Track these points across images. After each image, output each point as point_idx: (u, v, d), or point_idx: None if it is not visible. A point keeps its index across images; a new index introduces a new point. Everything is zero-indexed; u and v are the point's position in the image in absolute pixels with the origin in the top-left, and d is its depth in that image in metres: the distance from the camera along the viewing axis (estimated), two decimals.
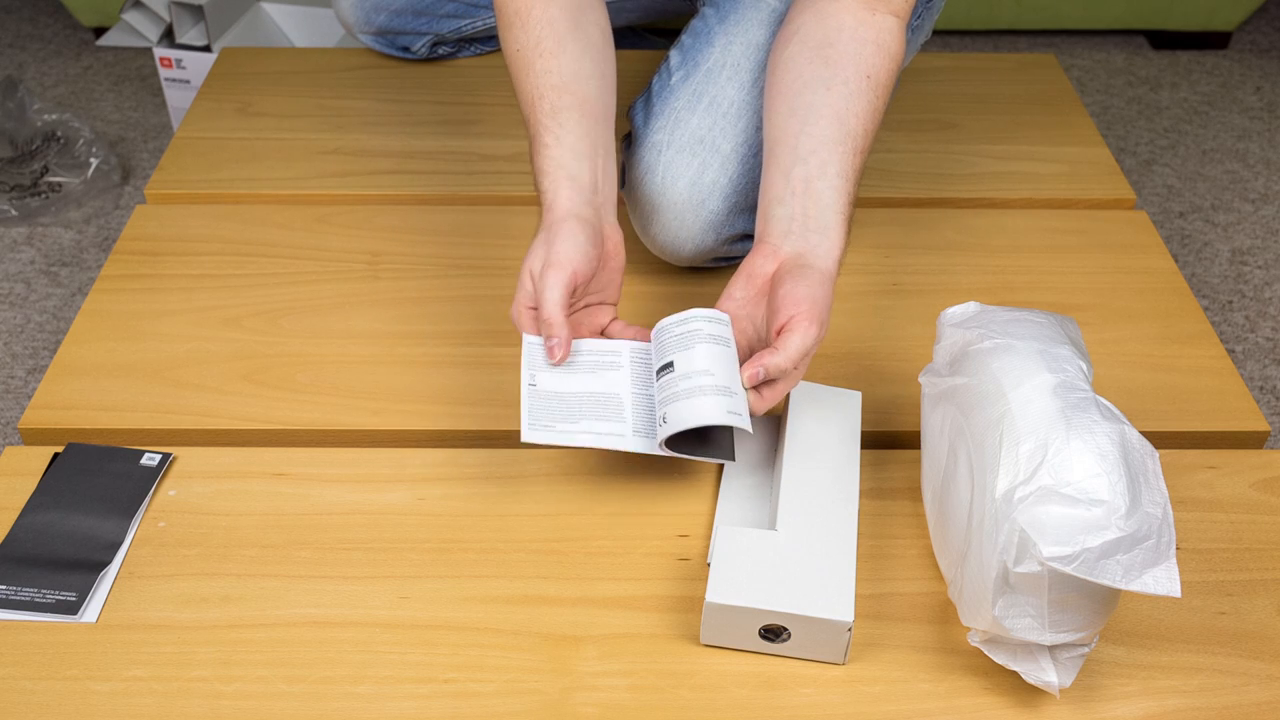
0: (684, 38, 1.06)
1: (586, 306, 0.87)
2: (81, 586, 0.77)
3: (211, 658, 0.74)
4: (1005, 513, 0.66)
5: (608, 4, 1.31)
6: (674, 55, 1.05)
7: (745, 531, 0.77)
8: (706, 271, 1.06)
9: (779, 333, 0.80)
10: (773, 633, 0.73)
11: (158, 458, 0.87)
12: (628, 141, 1.03)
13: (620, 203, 1.05)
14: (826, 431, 0.84)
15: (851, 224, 0.86)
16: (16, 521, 0.82)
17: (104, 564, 0.79)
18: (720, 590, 0.73)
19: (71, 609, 0.76)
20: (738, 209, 0.99)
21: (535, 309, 0.82)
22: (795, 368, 0.80)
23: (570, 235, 0.82)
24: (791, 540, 0.76)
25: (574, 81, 0.89)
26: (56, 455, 0.87)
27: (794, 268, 0.82)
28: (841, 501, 0.79)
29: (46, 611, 0.76)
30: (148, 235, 1.11)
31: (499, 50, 1.38)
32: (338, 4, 1.32)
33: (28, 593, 0.77)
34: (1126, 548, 0.63)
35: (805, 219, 0.84)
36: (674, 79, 1.02)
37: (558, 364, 0.82)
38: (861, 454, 0.88)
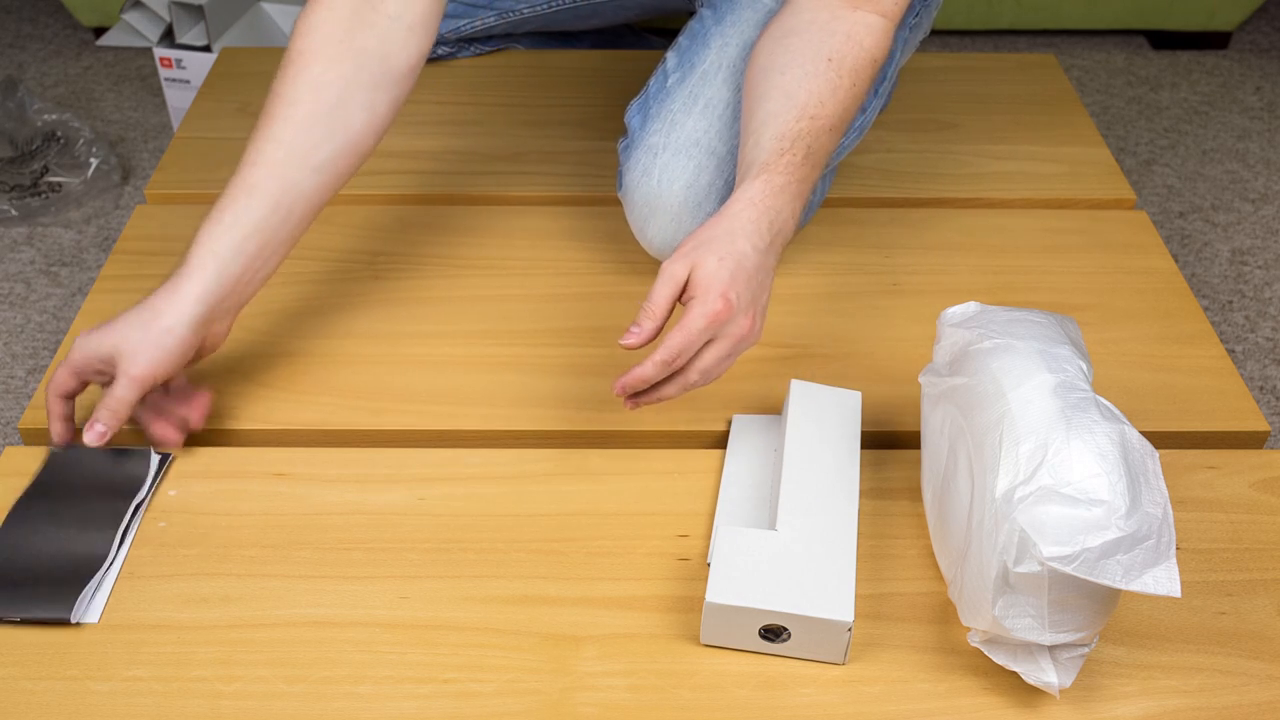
0: (681, 39, 1.06)
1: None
2: (72, 598, 0.76)
3: (211, 658, 0.74)
4: (1005, 513, 0.66)
5: (608, 4, 1.32)
6: (671, 57, 1.05)
7: (745, 531, 0.77)
8: None
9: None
10: (773, 633, 0.73)
11: (157, 458, 0.87)
12: (623, 143, 1.03)
13: (616, 204, 1.05)
14: (826, 431, 0.84)
15: (794, 178, 0.83)
16: (2, 529, 0.81)
17: (96, 570, 0.78)
18: (720, 590, 0.73)
19: (63, 623, 0.76)
20: None
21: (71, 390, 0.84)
22: (658, 312, 0.78)
23: (167, 348, 0.81)
24: (791, 540, 0.76)
25: (292, 168, 0.84)
26: (53, 454, 0.86)
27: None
28: (841, 501, 0.79)
29: (40, 623, 0.76)
30: (148, 235, 1.11)
31: (499, 50, 1.38)
32: None
33: (17, 608, 0.76)
34: (1126, 548, 0.63)
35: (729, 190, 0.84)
36: (670, 81, 1.02)
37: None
38: (861, 454, 0.88)
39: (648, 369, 0.77)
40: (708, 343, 0.79)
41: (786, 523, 0.77)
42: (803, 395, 0.87)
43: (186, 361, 0.84)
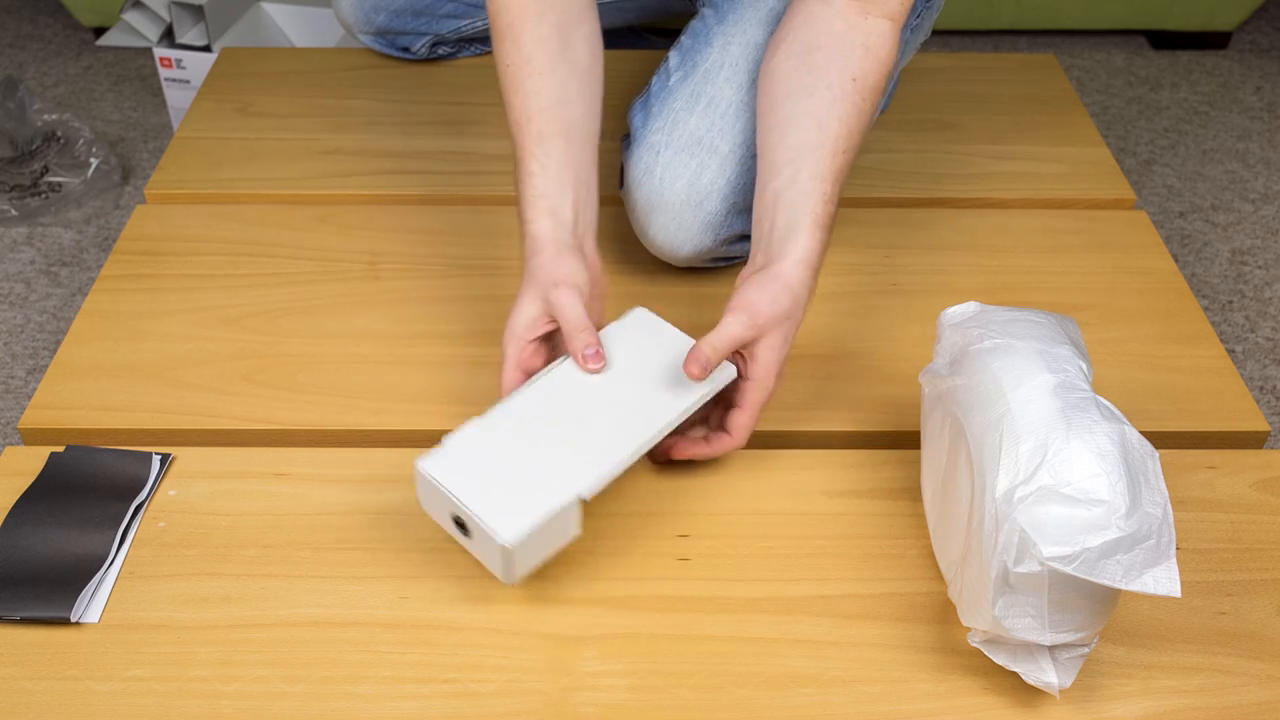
0: (683, 39, 1.06)
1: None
2: (72, 597, 0.77)
3: (211, 658, 0.74)
4: (1005, 513, 0.66)
5: (607, 3, 1.32)
6: (673, 56, 1.05)
7: (502, 422, 0.78)
8: (705, 272, 1.06)
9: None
10: (460, 525, 0.74)
11: (158, 458, 0.87)
12: (626, 142, 1.03)
13: (618, 204, 1.05)
14: (649, 366, 0.83)
15: (831, 221, 0.85)
16: (3, 528, 0.81)
17: (96, 570, 0.79)
18: (432, 462, 0.75)
19: (63, 622, 0.76)
20: (736, 209, 0.99)
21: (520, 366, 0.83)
22: (721, 354, 0.80)
23: (568, 260, 0.84)
24: (533, 447, 0.77)
25: (562, 105, 0.89)
26: (54, 455, 0.87)
27: (751, 275, 0.83)
28: (620, 438, 0.78)
29: (39, 623, 0.76)
30: (148, 235, 1.11)
31: None
32: (337, 4, 1.32)
33: (17, 607, 0.76)
34: (1126, 548, 0.63)
35: (773, 232, 0.84)
36: (672, 80, 1.02)
37: (598, 370, 0.82)
38: (861, 454, 0.88)
39: (729, 446, 0.83)
40: None
41: (543, 431, 0.77)
42: (641, 322, 0.86)
43: (592, 274, 0.86)
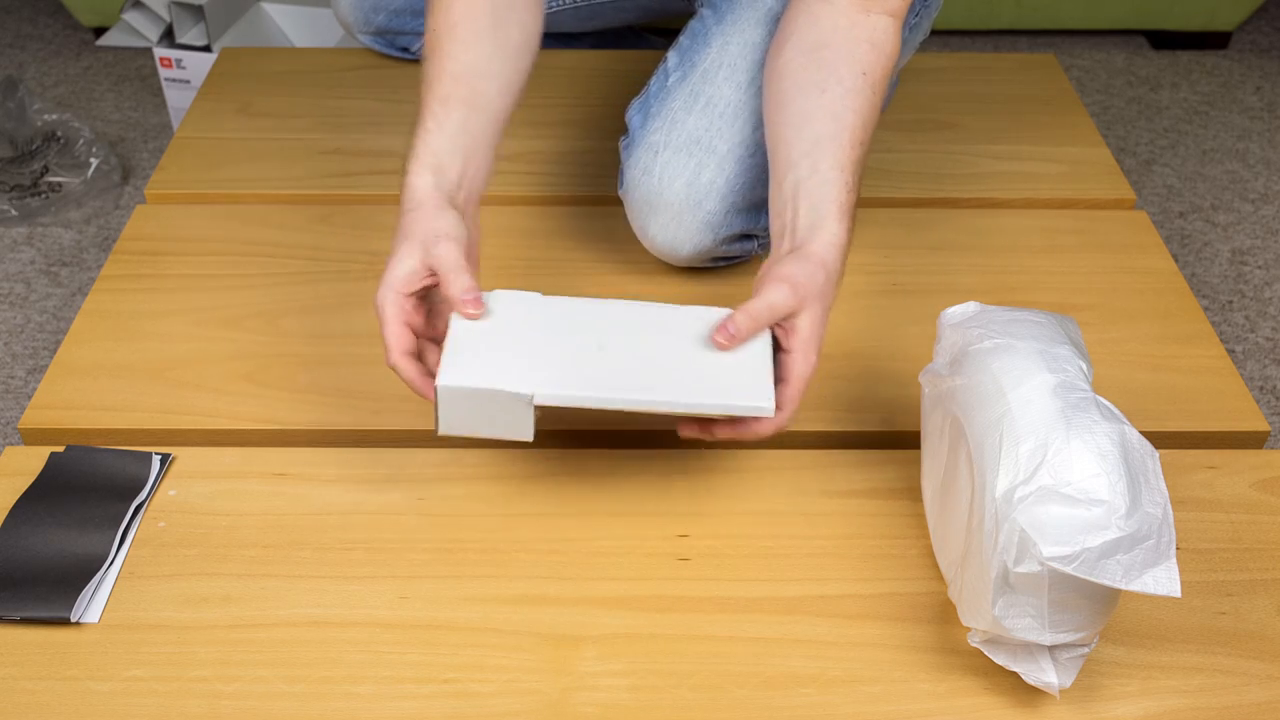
0: (682, 39, 1.06)
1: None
2: (72, 597, 0.76)
3: (211, 658, 0.74)
4: (1005, 513, 0.66)
5: (605, 3, 1.32)
6: (672, 57, 1.05)
7: (533, 310, 0.80)
8: (706, 271, 1.06)
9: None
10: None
11: (158, 458, 0.87)
12: (625, 142, 1.03)
13: (617, 204, 1.05)
14: (703, 359, 0.80)
15: (854, 212, 0.85)
16: (3, 528, 0.81)
17: (96, 570, 0.79)
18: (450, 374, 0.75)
19: (63, 622, 0.76)
20: (735, 209, 0.99)
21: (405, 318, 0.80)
22: (757, 323, 0.79)
23: (448, 214, 0.81)
24: (543, 344, 0.78)
25: (475, 77, 0.88)
26: (54, 455, 0.87)
27: (785, 257, 0.82)
28: (608, 382, 0.77)
29: (39, 623, 0.76)
30: (148, 235, 1.11)
31: None
32: (337, 4, 1.32)
33: (17, 607, 0.76)
34: (1126, 548, 0.63)
35: (796, 220, 0.83)
36: (671, 80, 1.02)
37: (477, 316, 0.79)
38: (861, 454, 0.88)
39: (777, 424, 0.78)
40: None
41: (561, 337, 0.78)
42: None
43: (472, 236, 0.84)
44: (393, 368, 0.79)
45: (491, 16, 0.90)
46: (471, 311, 0.78)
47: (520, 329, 0.79)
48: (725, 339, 0.78)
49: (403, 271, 0.79)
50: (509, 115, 0.91)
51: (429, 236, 0.79)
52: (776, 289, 0.78)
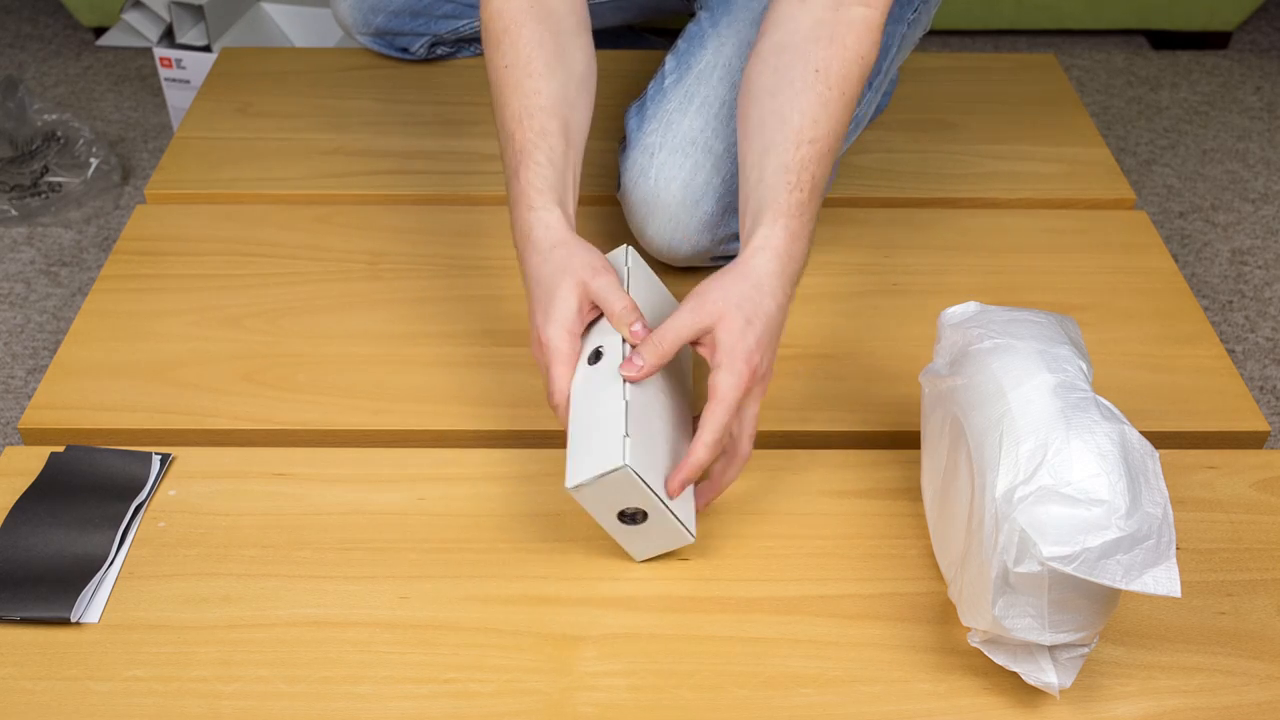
0: (679, 42, 1.06)
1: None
2: (72, 597, 0.76)
3: (211, 658, 0.74)
4: (1005, 513, 0.66)
5: (604, 2, 1.32)
6: (669, 59, 1.05)
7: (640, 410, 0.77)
8: (705, 271, 1.06)
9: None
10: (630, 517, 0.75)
11: (158, 458, 0.87)
12: (622, 145, 1.03)
13: (615, 205, 1.05)
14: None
15: (803, 209, 0.82)
16: (3, 528, 0.81)
17: (96, 570, 0.79)
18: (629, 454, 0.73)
19: (63, 622, 0.76)
20: (732, 209, 0.99)
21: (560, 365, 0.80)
22: (661, 350, 0.78)
23: (592, 249, 0.81)
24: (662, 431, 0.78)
25: (563, 106, 0.88)
26: (54, 455, 0.87)
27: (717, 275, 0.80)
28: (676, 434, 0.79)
29: (39, 623, 0.76)
30: (148, 235, 1.11)
31: None
32: (336, 6, 1.32)
33: (17, 607, 0.76)
34: (1126, 548, 0.63)
35: (745, 231, 0.82)
36: (667, 82, 1.02)
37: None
38: (861, 454, 0.88)
39: (700, 454, 0.75)
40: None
41: (658, 416, 0.78)
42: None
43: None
44: (556, 408, 0.79)
45: (556, 46, 0.90)
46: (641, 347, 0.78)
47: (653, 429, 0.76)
48: (633, 372, 0.77)
49: (570, 310, 0.79)
50: (585, 140, 0.91)
51: (586, 271, 0.80)
52: (679, 311, 0.78)
